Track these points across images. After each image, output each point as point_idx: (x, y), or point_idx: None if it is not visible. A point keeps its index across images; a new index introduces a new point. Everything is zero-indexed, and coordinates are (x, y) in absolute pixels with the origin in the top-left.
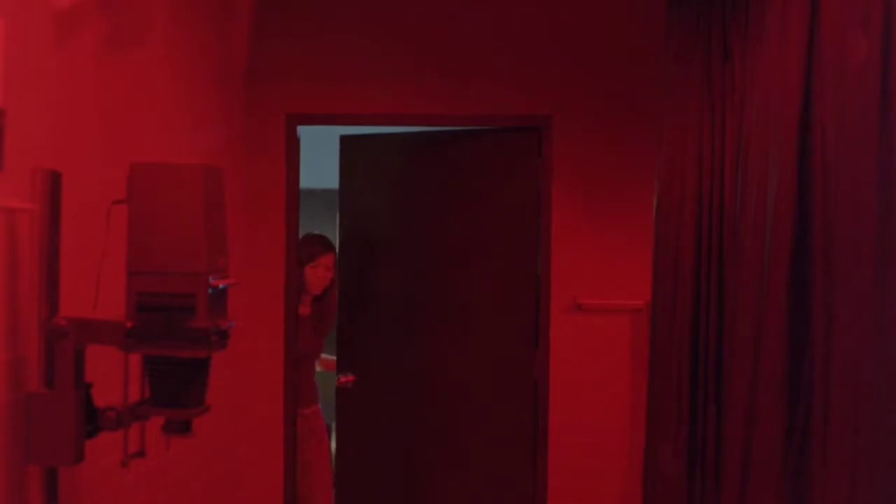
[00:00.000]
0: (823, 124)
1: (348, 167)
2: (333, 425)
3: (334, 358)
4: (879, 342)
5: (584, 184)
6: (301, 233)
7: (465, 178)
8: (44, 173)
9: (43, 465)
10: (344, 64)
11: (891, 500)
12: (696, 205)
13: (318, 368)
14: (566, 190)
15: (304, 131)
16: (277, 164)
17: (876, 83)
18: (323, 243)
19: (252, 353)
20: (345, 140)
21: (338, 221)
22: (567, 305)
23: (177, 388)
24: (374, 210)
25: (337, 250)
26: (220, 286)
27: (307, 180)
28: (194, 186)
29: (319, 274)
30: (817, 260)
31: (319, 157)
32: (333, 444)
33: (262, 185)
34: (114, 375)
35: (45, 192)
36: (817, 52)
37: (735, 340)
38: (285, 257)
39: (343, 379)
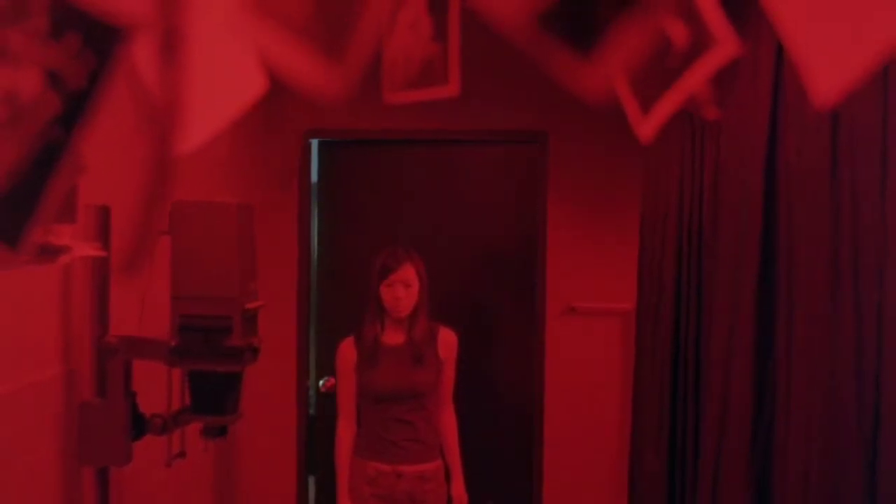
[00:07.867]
0: (787, 162)
1: (328, 174)
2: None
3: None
4: (832, 353)
5: (578, 194)
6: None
7: (463, 188)
8: (95, 208)
9: (96, 465)
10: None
11: (835, 489)
12: (676, 222)
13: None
14: (560, 199)
15: None
16: (291, 177)
17: (827, 130)
18: (399, 255)
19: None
20: (324, 146)
21: (316, 230)
22: (561, 308)
23: (215, 397)
24: (367, 217)
25: (420, 260)
26: (252, 308)
27: None
28: (229, 222)
29: (397, 293)
30: (781, 286)
31: None
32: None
33: (277, 196)
34: (156, 385)
35: (96, 225)
36: (782, 99)
37: (710, 353)
38: (297, 265)
39: (327, 384)
